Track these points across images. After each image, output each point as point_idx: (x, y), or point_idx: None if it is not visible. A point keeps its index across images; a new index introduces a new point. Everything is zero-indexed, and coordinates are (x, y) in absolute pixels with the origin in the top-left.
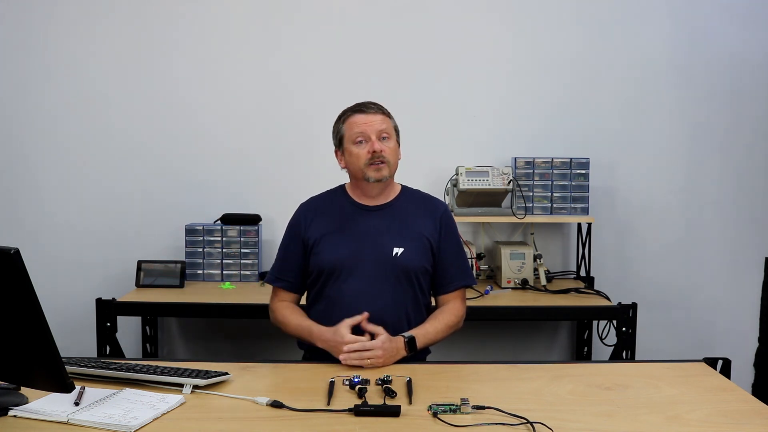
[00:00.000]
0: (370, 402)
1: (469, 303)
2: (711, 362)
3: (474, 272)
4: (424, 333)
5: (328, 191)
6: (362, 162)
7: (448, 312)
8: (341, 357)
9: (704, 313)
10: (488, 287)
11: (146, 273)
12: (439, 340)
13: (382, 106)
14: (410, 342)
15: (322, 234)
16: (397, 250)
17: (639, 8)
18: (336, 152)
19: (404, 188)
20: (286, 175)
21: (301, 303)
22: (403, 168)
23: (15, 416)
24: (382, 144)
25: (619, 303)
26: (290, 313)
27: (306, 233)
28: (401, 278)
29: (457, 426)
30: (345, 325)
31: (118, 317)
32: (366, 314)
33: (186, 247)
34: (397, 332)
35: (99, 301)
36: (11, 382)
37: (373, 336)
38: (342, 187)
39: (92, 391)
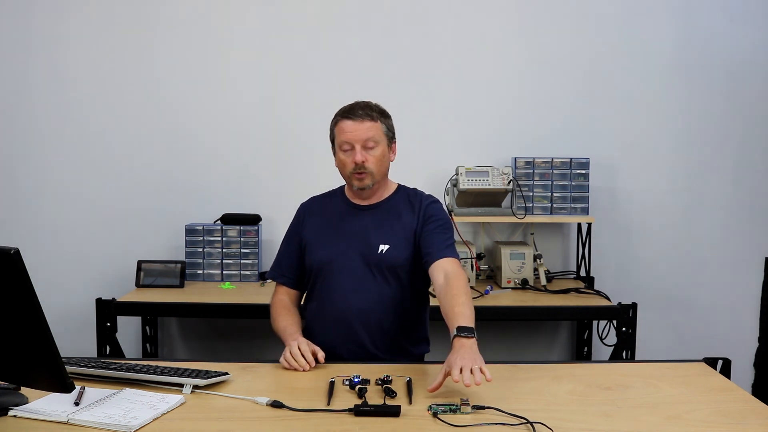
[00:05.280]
0: (370, 402)
1: None
2: (711, 362)
3: (474, 272)
4: (461, 315)
5: (328, 192)
6: (347, 170)
7: (455, 279)
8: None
9: (704, 313)
10: (488, 287)
11: (146, 273)
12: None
13: (372, 109)
14: (466, 330)
15: (315, 234)
16: (383, 247)
17: (639, 9)
18: (333, 150)
19: (400, 187)
20: (286, 175)
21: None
22: (403, 168)
23: (15, 416)
24: (366, 153)
25: (619, 303)
26: (279, 314)
27: (302, 232)
28: (386, 274)
29: (457, 426)
30: (304, 342)
31: (118, 317)
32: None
33: (186, 247)
34: (383, 328)
35: (99, 301)
36: (11, 382)
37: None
38: (342, 188)
39: (92, 391)
